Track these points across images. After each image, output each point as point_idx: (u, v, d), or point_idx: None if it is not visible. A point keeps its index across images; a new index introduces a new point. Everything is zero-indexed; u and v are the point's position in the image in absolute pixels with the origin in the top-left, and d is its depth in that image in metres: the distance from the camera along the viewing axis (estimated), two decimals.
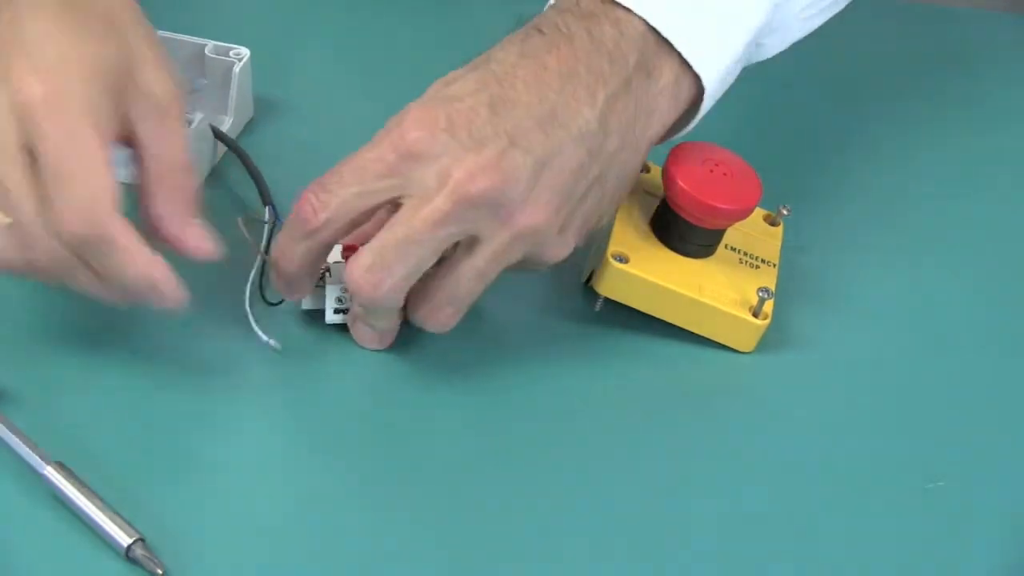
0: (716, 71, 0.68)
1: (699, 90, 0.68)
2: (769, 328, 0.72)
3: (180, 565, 0.60)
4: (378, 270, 0.64)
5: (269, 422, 0.67)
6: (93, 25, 0.63)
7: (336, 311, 0.70)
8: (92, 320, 0.69)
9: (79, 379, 0.67)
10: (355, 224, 0.66)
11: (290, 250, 0.66)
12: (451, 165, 0.62)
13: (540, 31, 0.66)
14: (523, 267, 0.67)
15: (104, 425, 0.65)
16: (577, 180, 0.65)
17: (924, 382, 0.72)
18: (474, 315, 0.70)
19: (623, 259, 0.71)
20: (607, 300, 0.72)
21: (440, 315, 0.67)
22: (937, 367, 0.73)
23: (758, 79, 0.74)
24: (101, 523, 0.61)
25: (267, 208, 0.75)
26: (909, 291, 0.78)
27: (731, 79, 0.70)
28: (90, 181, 0.61)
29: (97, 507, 0.61)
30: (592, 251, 0.74)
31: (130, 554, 0.60)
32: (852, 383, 0.72)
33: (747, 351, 0.72)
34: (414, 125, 0.63)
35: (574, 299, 0.73)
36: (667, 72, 0.67)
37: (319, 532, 0.63)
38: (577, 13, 0.67)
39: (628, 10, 0.66)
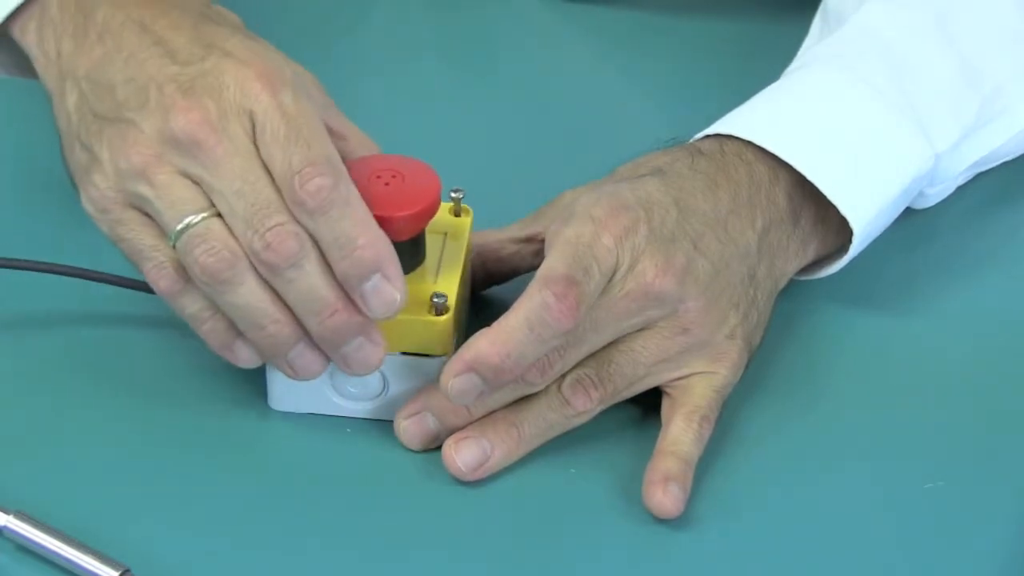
0: (865, 219, 0.70)
1: (849, 231, 0.70)
2: (774, 324, 0.71)
3: None
4: (555, 358, 0.64)
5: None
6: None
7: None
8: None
9: None
10: None
11: (523, 350, 0.63)
12: (641, 259, 0.65)
13: (702, 153, 0.70)
14: (691, 381, 0.67)
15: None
16: (742, 293, 0.68)
17: (925, 382, 0.71)
18: None
19: None
20: None
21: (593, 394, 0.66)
22: (940, 368, 0.72)
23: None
24: (82, 563, 0.60)
25: None
26: (929, 292, 0.76)
27: (886, 222, 0.72)
28: (324, 140, 0.62)
29: (75, 548, 0.60)
30: None
31: None
32: (858, 385, 0.71)
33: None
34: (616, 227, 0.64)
35: None
36: (815, 215, 0.71)
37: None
38: (732, 152, 0.70)
39: (778, 159, 0.69)
